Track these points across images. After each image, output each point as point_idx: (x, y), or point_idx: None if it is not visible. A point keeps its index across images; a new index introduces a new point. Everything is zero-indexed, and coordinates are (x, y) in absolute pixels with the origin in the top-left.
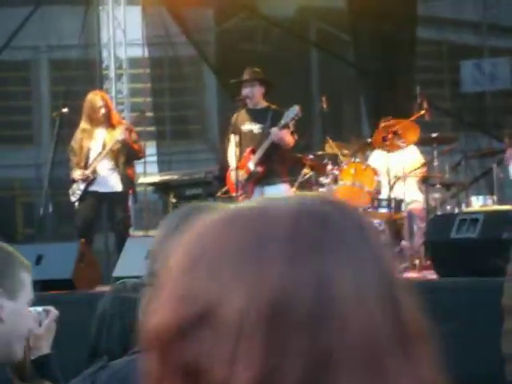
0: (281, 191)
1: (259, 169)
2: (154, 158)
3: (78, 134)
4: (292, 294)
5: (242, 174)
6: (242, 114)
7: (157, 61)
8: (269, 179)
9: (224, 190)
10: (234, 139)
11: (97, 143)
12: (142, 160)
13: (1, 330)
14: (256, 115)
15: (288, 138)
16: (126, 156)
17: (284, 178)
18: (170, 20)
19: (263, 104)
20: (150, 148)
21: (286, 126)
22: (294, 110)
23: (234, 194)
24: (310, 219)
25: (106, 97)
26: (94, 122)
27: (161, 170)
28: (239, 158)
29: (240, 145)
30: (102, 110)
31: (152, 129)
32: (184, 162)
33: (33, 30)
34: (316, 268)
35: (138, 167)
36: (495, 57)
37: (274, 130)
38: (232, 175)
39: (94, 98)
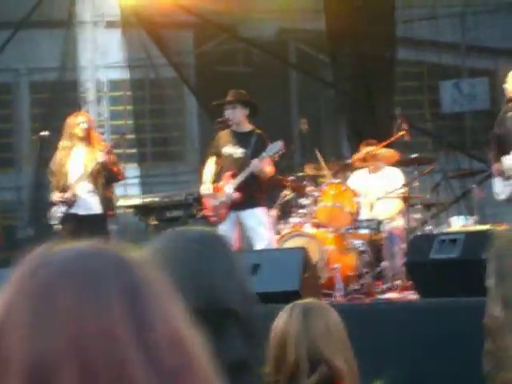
0: (257, 214)
1: (235, 195)
2: (135, 181)
3: (57, 155)
4: None
5: (218, 196)
6: (224, 136)
7: (138, 83)
8: (247, 203)
9: (204, 212)
10: (212, 159)
11: (76, 164)
12: (123, 182)
13: None
14: (239, 138)
15: (267, 168)
16: (106, 178)
17: (261, 203)
18: (150, 42)
19: (247, 127)
20: (131, 170)
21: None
22: (277, 146)
23: (206, 213)
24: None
25: (89, 116)
26: (74, 141)
27: (141, 193)
28: (217, 179)
29: (220, 166)
30: (84, 125)
31: (133, 151)
32: (165, 184)
33: (13, 53)
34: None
35: (119, 189)
36: (474, 77)
37: (255, 161)
38: (201, 187)
39: (75, 117)
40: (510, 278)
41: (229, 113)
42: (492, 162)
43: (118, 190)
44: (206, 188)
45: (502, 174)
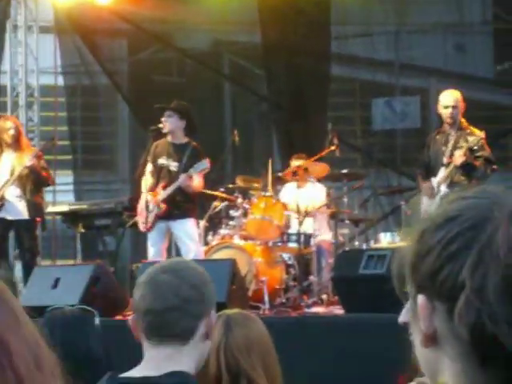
0: (186, 225)
1: (162, 206)
2: (65, 187)
3: None
4: None
5: (149, 205)
6: (161, 145)
7: (70, 89)
8: (177, 214)
9: (134, 220)
10: (150, 167)
11: (4, 168)
12: (52, 188)
13: None
14: (174, 150)
15: (195, 183)
16: (34, 183)
17: (191, 214)
18: (84, 49)
19: (183, 139)
20: (61, 177)
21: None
22: (204, 164)
23: (138, 220)
24: None
25: (17, 121)
26: (3, 145)
27: (71, 200)
28: (152, 188)
29: (154, 175)
30: (12, 132)
31: (63, 157)
32: (95, 191)
33: None
34: None
35: (48, 196)
36: (406, 96)
37: (182, 176)
38: (141, 198)
39: (3, 121)
40: None
41: (163, 120)
42: (420, 182)
43: (47, 196)
44: (143, 198)
45: (431, 189)
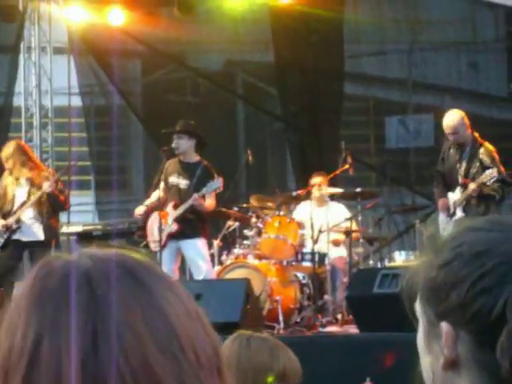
0: (197, 245)
1: (174, 226)
2: (78, 208)
3: (2, 179)
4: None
5: (156, 223)
6: (172, 165)
7: (84, 110)
8: (187, 233)
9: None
10: (161, 185)
11: (22, 190)
12: None
13: None
14: (185, 169)
15: (208, 202)
16: (51, 207)
17: (202, 234)
18: (98, 69)
19: (194, 158)
20: (75, 197)
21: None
22: (218, 183)
23: (147, 239)
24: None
25: (16, 145)
26: (16, 168)
27: (85, 220)
28: (163, 207)
29: (165, 194)
30: (10, 162)
31: (77, 178)
32: (108, 211)
33: None
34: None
35: (62, 216)
36: (419, 113)
37: (195, 195)
38: (152, 221)
39: (7, 148)
40: None
41: (175, 142)
42: (437, 197)
43: (61, 216)
44: (138, 208)
45: (447, 208)
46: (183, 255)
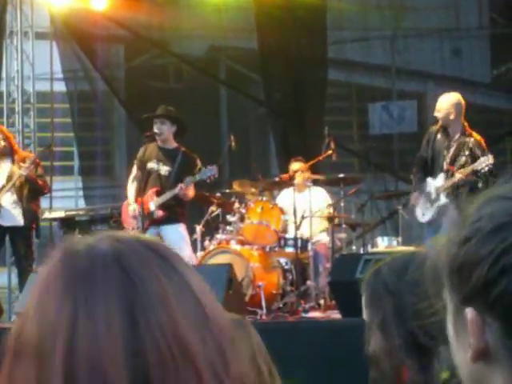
0: (178, 230)
1: (160, 213)
2: (61, 193)
3: None
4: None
5: (138, 211)
6: (149, 150)
7: (68, 95)
8: (167, 219)
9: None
10: (135, 173)
11: (1, 175)
12: (48, 194)
13: None
14: (165, 155)
15: (190, 192)
16: (30, 191)
17: (182, 219)
18: (80, 54)
19: (173, 144)
20: (57, 183)
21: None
22: (213, 171)
23: (126, 227)
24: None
25: (4, 129)
26: None
27: (67, 205)
28: (140, 193)
29: (143, 180)
30: (1, 143)
31: (60, 163)
32: (90, 197)
33: None
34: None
35: (44, 202)
36: (403, 100)
37: (181, 185)
38: (129, 208)
39: None
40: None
41: (156, 127)
42: (414, 179)
43: (44, 202)
44: (132, 209)
45: (418, 200)
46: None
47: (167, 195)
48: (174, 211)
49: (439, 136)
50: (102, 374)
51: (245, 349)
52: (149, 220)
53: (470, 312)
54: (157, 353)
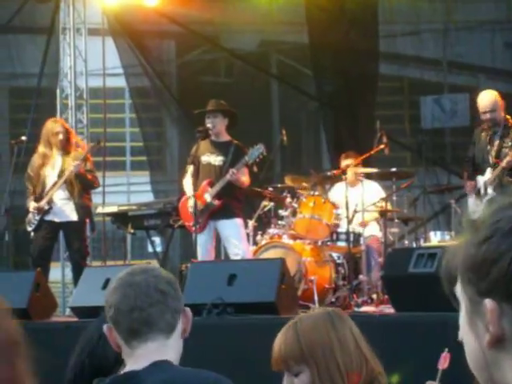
0: (235, 224)
1: (216, 202)
2: (114, 189)
3: (34, 161)
4: None
5: (199, 204)
6: (203, 145)
7: (120, 91)
8: (223, 213)
9: (176, 218)
10: (190, 168)
11: (53, 171)
12: (101, 190)
13: None
14: (217, 147)
15: (244, 178)
16: (81, 185)
17: (238, 213)
18: (132, 50)
19: (226, 137)
20: (110, 178)
21: (247, 165)
22: (260, 149)
23: (186, 224)
24: None
25: (66, 124)
26: (52, 147)
27: (120, 200)
28: (196, 188)
29: (198, 175)
30: (60, 136)
31: (112, 159)
32: (143, 192)
33: None
34: None
35: (97, 197)
36: (455, 93)
37: (232, 170)
38: (188, 203)
39: (53, 123)
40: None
41: (209, 121)
42: (465, 180)
43: (97, 197)
44: (191, 204)
45: (475, 190)
46: (218, 235)
47: (220, 183)
48: (229, 205)
49: (483, 133)
50: None
51: (348, 338)
52: (207, 213)
53: (488, 302)
54: None
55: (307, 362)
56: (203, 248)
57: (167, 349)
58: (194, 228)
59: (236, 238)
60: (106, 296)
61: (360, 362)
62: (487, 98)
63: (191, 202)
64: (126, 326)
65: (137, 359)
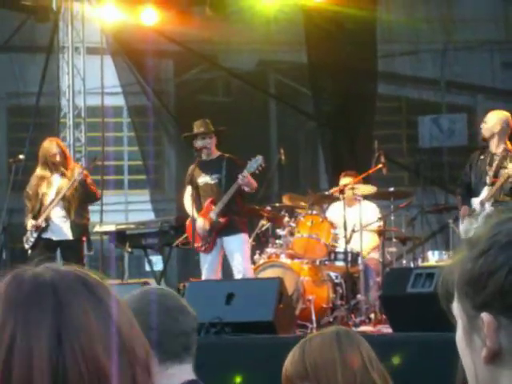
0: (239, 240)
1: (221, 219)
2: (111, 207)
3: (33, 180)
4: None
5: (204, 225)
6: (195, 168)
7: (118, 109)
8: (229, 229)
9: (181, 239)
10: (189, 189)
11: (51, 189)
12: (99, 208)
13: None
14: (211, 166)
15: (253, 181)
16: (83, 197)
17: (243, 228)
18: (130, 69)
19: (216, 153)
20: (107, 197)
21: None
22: (258, 160)
23: (196, 245)
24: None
25: (61, 143)
26: (50, 168)
27: (117, 219)
28: (198, 209)
29: (198, 196)
30: (57, 157)
31: (109, 177)
32: (141, 211)
33: None
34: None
35: (94, 216)
36: (453, 113)
37: (242, 174)
38: (194, 225)
39: (50, 144)
40: None
41: (205, 143)
42: (459, 204)
43: (94, 216)
44: (200, 225)
45: (470, 214)
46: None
47: (224, 200)
48: (234, 221)
49: (481, 157)
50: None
51: (355, 358)
52: (214, 231)
53: (485, 316)
54: (77, 373)
55: (311, 381)
56: (212, 268)
57: (191, 371)
58: (202, 248)
59: (240, 254)
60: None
61: (366, 382)
62: (495, 113)
63: (199, 223)
64: (169, 349)
65: (170, 378)
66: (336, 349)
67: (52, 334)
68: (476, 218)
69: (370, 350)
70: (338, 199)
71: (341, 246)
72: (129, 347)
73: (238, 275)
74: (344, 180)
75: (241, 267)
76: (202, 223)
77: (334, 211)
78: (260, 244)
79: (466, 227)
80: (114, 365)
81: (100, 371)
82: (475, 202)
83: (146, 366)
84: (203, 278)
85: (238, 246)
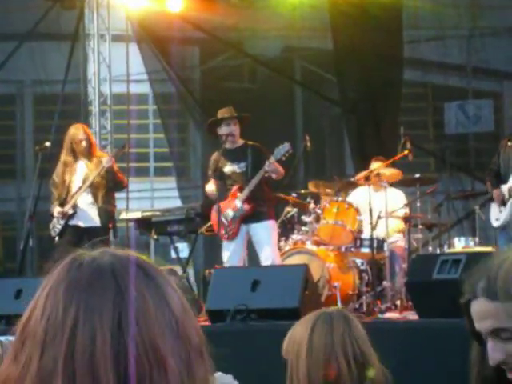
0: (267, 228)
1: (246, 207)
2: (137, 195)
3: (59, 167)
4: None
5: (228, 212)
6: (220, 156)
7: (143, 97)
8: (255, 217)
9: (207, 226)
10: (214, 178)
11: (78, 176)
12: (125, 196)
13: None
14: (236, 154)
15: (280, 168)
16: (111, 184)
17: (270, 215)
18: (155, 56)
19: (240, 142)
20: (133, 184)
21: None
22: (286, 147)
23: (220, 232)
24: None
25: (88, 130)
26: (76, 154)
27: (143, 206)
28: (223, 197)
29: (224, 184)
30: (84, 143)
31: (136, 165)
32: (167, 198)
33: (18, 64)
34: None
35: (121, 203)
36: (479, 99)
37: (269, 161)
38: (219, 213)
39: (76, 130)
40: None
41: (230, 129)
42: (490, 189)
43: (120, 203)
44: (225, 214)
45: (501, 199)
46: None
47: (249, 186)
48: (260, 209)
49: (509, 143)
50: (94, 367)
51: (322, 343)
52: (238, 219)
53: None
54: (136, 356)
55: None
56: (237, 256)
57: None
58: (226, 235)
59: (267, 242)
60: None
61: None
62: None
63: (219, 210)
64: None
65: None
66: (308, 328)
67: (113, 318)
68: (504, 205)
69: (359, 337)
70: (363, 185)
71: (366, 233)
72: (184, 332)
73: (265, 262)
74: (374, 165)
75: (269, 254)
76: (226, 210)
77: (359, 196)
78: (286, 231)
79: (495, 213)
80: (170, 349)
81: (157, 355)
82: (504, 188)
83: (199, 351)
84: (226, 265)
85: (265, 234)
